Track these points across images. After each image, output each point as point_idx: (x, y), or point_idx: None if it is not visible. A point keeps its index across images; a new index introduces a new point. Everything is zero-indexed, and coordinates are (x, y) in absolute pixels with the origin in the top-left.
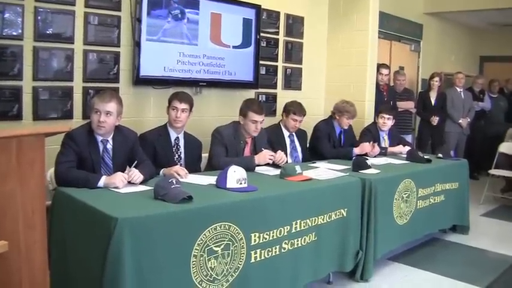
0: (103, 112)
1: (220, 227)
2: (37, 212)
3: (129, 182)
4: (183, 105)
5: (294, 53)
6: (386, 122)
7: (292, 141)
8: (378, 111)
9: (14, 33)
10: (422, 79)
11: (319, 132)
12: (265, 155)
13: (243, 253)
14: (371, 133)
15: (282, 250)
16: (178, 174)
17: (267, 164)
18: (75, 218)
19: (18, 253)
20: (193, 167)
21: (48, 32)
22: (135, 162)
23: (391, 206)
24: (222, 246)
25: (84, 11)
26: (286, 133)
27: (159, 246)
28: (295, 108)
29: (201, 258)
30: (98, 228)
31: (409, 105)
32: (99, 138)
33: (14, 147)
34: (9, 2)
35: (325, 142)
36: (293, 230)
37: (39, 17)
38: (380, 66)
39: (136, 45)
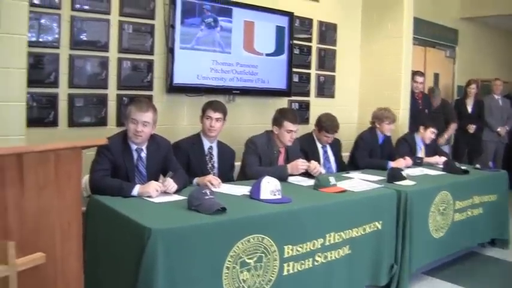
0: (140, 122)
1: (254, 239)
2: (73, 224)
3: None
4: (217, 115)
5: (327, 60)
6: (432, 136)
7: (325, 152)
8: (425, 124)
9: (51, 42)
10: (458, 86)
11: (361, 142)
12: (298, 164)
13: (276, 265)
14: (407, 142)
15: (315, 263)
16: (212, 184)
17: (302, 174)
18: (108, 226)
19: (54, 264)
20: (226, 176)
21: (83, 40)
22: (170, 173)
23: (426, 219)
24: (254, 259)
25: (119, 20)
26: (319, 143)
27: (192, 257)
28: (328, 127)
29: (234, 270)
30: (131, 237)
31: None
32: (134, 146)
33: (52, 160)
34: (46, 11)
35: (363, 153)
36: (327, 243)
37: (75, 26)
38: (415, 73)
39: (170, 53)
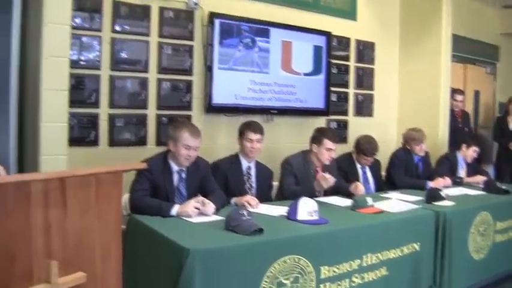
0: (193, 148)
1: (290, 260)
2: (113, 245)
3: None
4: (258, 136)
5: (365, 79)
6: (474, 155)
7: (364, 173)
8: (467, 143)
9: (92, 63)
10: (499, 103)
11: (396, 160)
12: (324, 175)
13: (312, 286)
14: (449, 161)
15: (352, 284)
16: (249, 204)
17: (341, 194)
18: (147, 245)
19: (95, 283)
20: (264, 196)
21: (123, 61)
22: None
23: (466, 240)
24: (291, 279)
25: (158, 41)
26: (358, 164)
27: (229, 278)
28: (366, 150)
29: None
30: (169, 257)
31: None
32: (175, 168)
33: (94, 183)
34: (87, 33)
35: (400, 171)
36: (363, 264)
37: (115, 47)
38: (454, 91)
39: (209, 73)
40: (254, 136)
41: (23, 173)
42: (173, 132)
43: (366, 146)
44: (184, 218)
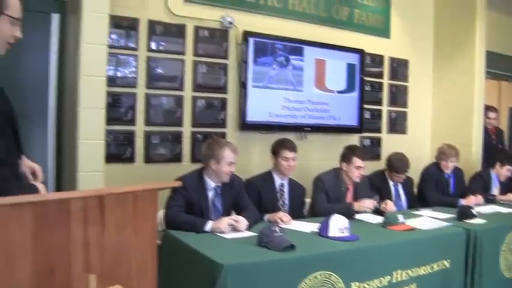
0: (234, 163)
1: (321, 276)
2: (148, 260)
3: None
4: (293, 154)
5: (398, 96)
6: (508, 174)
7: (396, 190)
8: (502, 161)
9: (128, 81)
10: None
11: (427, 175)
12: (366, 203)
13: None
14: (483, 179)
15: None
16: (282, 221)
17: (373, 211)
18: (181, 260)
19: None
20: (296, 213)
21: (159, 80)
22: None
23: (497, 258)
24: None
25: (193, 60)
26: (391, 182)
27: None
28: (397, 167)
29: None
30: (203, 272)
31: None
32: (211, 184)
33: (131, 201)
34: (124, 51)
35: (430, 186)
36: (393, 280)
37: (151, 65)
38: (487, 109)
39: (243, 91)
40: (290, 154)
41: (61, 190)
42: (214, 152)
43: (397, 163)
44: (218, 234)
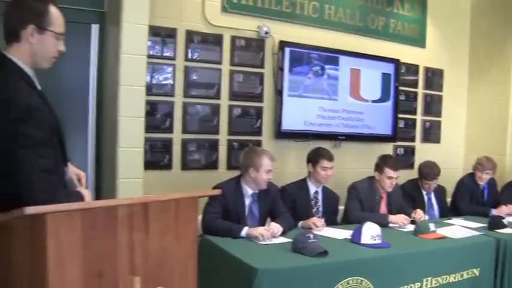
0: (272, 170)
1: (353, 281)
2: (189, 263)
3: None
4: (332, 164)
5: (433, 105)
6: None
7: (429, 199)
8: None
9: (166, 90)
10: None
11: (462, 186)
12: (401, 219)
13: None
14: None
15: None
16: (316, 225)
17: None
18: (218, 264)
19: None
20: (330, 220)
21: (196, 88)
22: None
23: None
24: None
25: (230, 69)
26: (424, 190)
27: None
28: (426, 174)
29: None
30: (239, 276)
31: None
32: (249, 191)
33: (173, 208)
34: (161, 61)
35: (464, 197)
36: (423, 287)
37: (188, 75)
38: None
39: (279, 100)
40: (329, 164)
41: (101, 197)
42: (253, 160)
43: (427, 170)
44: (253, 240)
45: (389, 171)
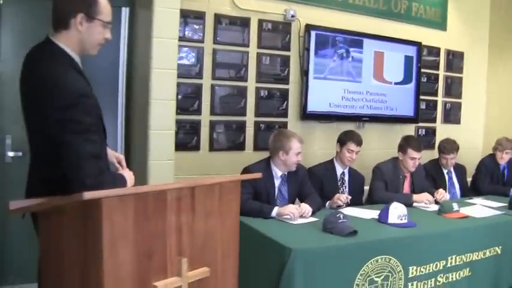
0: (301, 152)
1: (382, 260)
2: (232, 244)
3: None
4: (359, 148)
5: (453, 87)
6: None
7: (450, 178)
8: None
9: (195, 73)
10: None
11: (482, 167)
12: (425, 198)
13: (401, 284)
14: None
15: (437, 283)
16: (340, 200)
17: None
18: (250, 245)
19: (215, 278)
20: (356, 200)
21: (224, 71)
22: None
23: None
24: (382, 277)
25: (257, 52)
26: (445, 170)
27: (326, 275)
28: (444, 148)
29: (363, 287)
30: (272, 255)
31: None
32: (278, 173)
33: (217, 191)
34: (190, 44)
35: (485, 178)
36: (448, 265)
37: (216, 58)
38: None
39: (304, 82)
40: (356, 148)
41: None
42: (282, 143)
43: (445, 144)
44: (283, 220)
45: (412, 152)
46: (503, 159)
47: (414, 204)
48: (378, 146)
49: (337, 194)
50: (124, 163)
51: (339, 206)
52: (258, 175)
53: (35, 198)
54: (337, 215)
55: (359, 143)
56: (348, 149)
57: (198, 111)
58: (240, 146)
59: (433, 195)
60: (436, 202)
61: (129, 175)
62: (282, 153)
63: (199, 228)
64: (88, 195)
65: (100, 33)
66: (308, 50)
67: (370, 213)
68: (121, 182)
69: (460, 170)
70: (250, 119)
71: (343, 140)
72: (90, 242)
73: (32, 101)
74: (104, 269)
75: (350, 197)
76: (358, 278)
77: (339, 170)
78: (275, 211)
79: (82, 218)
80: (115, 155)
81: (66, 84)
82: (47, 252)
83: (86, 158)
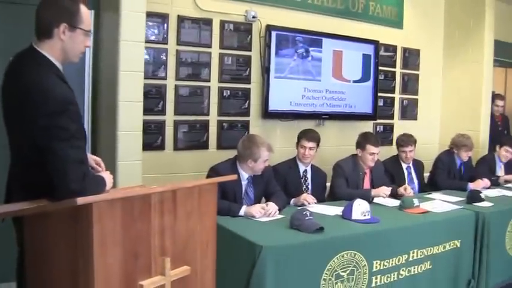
0: (268, 159)
1: (347, 255)
2: (210, 243)
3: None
4: (311, 144)
5: (410, 84)
6: (507, 155)
7: (409, 173)
8: (501, 143)
9: (159, 74)
10: None
11: (440, 163)
12: (382, 190)
13: (366, 278)
14: (487, 162)
15: (400, 276)
16: (307, 201)
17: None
18: (220, 243)
19: (195, 276)
20: (318, 196)
21: (187, 72)
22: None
23: (503, 238)
24: (347, 272)
25: (219, 52)
26: (404, 165)
27: (295, 270)
28: (401, 141)
29: (329, 282)
30: (243, 252)
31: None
32: (245, 175)
33: (197, 193)
34: (155, 46)
35: (443, 174)
36: (410, 259)
37: (180, 59)
38: (495, 97)
39: (266, 82)
40: (308, 144)
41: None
42: (252, 151)
43: (402, 137)
44: (251, 218)
45: (371, 148)
46: (467, 157)
47: (376, 200)
48: (337, 143)
49: (304, 194)
50: (103, 164)
51: (303, 204)
52: (233, 177)
53: (20, 202)
54: (304, 213)
55: (311, 139)
56: (302, 145)
57: (163, 112)
58: (204, 145)
59: (393, 190)
60: (395, 196)
61: (108, 177)
62: (250, 161)
63: (181, 228)
64: (81, 200)
65: (82, 42)
66: (269, 49)
67: (333, 210)
68: (102, 184)
69: (418, 166)
70: (213, 118)
71: (298, 137)
72: (80, 244)
73: (16, 107)
74: (95, 269)
75: (315, 200)
76: (325, 273)
77: (302, 167)
78: (243, 210)
79: (72, 221)
80: (93, 158)
81: (53, 92)
82: (32, 253)
83: (71, 163)
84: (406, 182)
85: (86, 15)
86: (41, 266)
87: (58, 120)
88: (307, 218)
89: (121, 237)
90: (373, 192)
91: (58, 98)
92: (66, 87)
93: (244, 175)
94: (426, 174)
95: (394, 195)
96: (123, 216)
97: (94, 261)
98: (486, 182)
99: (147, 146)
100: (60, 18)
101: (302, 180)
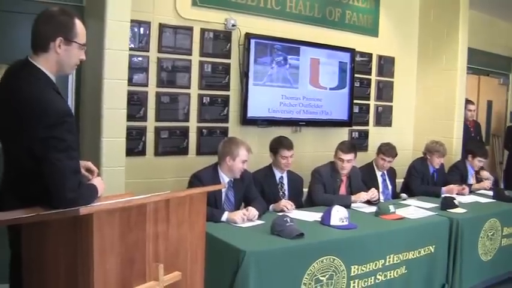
0: (247, 161)
1: (326, 260)
2: (199, 250)
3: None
4: (291, 152)
5: (385, 91)
6: (480, 164)
7: (384, 180)
8: (471, 151)
9: (141, 81)
10: (510, 112)
11: (413, 171)
12: (362, 195)
13: (344, 282)
14: (459, 170)
15: (377, 280)
16: (287, 208)
17: (364, 202)
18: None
19: (186, 281)
20: (295, 202)
21: (168, 79)
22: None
23: (476, 243)
24: (327, 276)
25: (199, 60)
26: (378, 172)
27: (277, 275)
28: (385, 150)
29: (310, 286)
30: (225, 258)
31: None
32: (226, 179)
33: (188, 202)
34: (136, 53)
35: (417, 180)
36: (387, 263)
37: (161, 66)
38: (466, 102)
39: (244, 89)
40: (288, 153)
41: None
42: (231, 149)
43: (387, 147)
44: (232, 224)
45: (340, 153)
46: (439, 163)
47: (353, 206)
48: (314, 149)
49: (283, 201)
50: (94, 168)
51: (283, 210)
52: (221, 186)
53: (18, 210)
54: (285, 219)
55: (290, 147)
56: (282, 156)
57: (144, 118)
58: (184, 151)
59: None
60: (369, 203)
61: (99, 183)
62: (228, 159)
63: (173, 236)
64: (84, 210)
65: (76, 55)
66: (248, 57)
67: (312, 216)
68: (95, 192)
69: (391, 172)
70: (193, 124)
71: (275, 147)
72: (80, 252)
73: (11, 119)
74: (94, 276)
75: (294, 206)
76: (306, 278)
77: (278, 174)
78: (225, 216)
79: (72, 230)
80: (83, 164)
81: (51, 104)
82: (30, 260)
83: (68, 173)
84: (380, 189)
85: (81, 28)
86: (38, 273)
87: (56, 132)
88: (288, 224)
89: (118, 245)
90: (353, 197)
91: (57, 110)
92: (63, 100)
93: (225, 179)
94: (398, 181)
95: (368, 201)
96: (121, 225)
97: (94, 268)
98: (459, 188)
99: (129, 151)
100: (56, 32)
101: (279, 186)
